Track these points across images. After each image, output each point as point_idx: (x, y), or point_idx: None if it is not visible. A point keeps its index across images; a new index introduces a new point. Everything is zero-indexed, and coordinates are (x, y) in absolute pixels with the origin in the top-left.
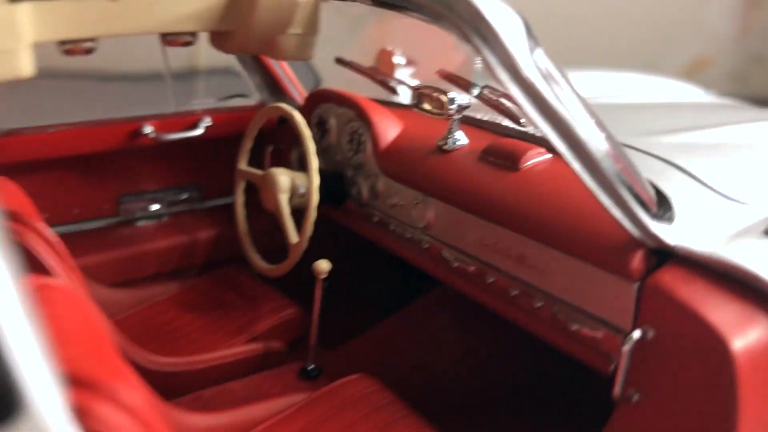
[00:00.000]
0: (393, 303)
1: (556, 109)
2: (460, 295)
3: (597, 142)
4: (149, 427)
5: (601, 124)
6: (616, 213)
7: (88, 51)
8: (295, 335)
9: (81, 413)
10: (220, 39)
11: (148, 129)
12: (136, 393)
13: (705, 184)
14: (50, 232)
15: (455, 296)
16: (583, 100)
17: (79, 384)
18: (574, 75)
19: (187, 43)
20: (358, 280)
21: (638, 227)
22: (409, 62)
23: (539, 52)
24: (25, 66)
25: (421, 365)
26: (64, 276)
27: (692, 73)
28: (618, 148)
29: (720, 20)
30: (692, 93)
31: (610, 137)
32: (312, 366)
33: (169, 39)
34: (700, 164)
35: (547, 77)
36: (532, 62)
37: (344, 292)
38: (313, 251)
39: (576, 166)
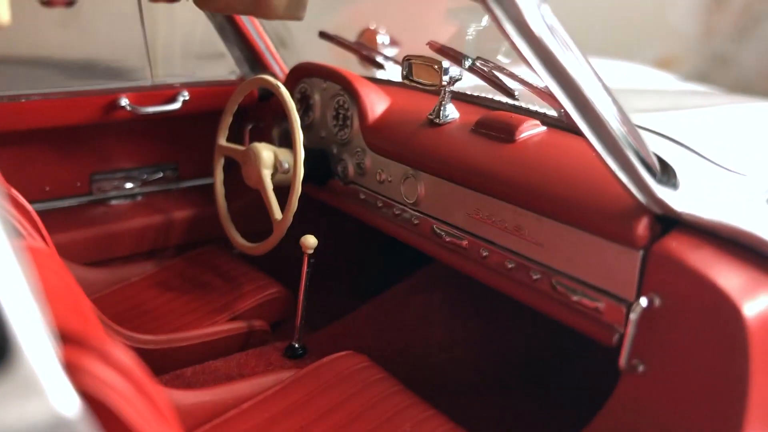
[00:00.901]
0: (380, 283)
1: (564, 65)
2: (450, 274)
3: (604, 103)
4: (140, 387)
5: (606, 87)
6: (623, 177)
7: (69, 3)
8: (279, 316)
9: (71, 369)
10: None
11: (123, 101)
12: (125, 353)
13: (704, 157)
14: (25, 202)
15: (444, 275)
16: (588, 60)
17: (69, 340)
18: None
19: (69, 4)
20: (343, 260)
21: (644, 192)
22: (393, 42)
23: (545, 7)
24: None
25: (409, 346)
26: (38, 240)
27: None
28: (624, 111)
29: (684, 21)
30: (669, 80)
31: (615, 100)
32: (298, 344)
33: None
34: (695, 139)
35: (553, 32)
36: (540, 16)
37: (329, 272)
38: (296, 231)
39: (583, 126)
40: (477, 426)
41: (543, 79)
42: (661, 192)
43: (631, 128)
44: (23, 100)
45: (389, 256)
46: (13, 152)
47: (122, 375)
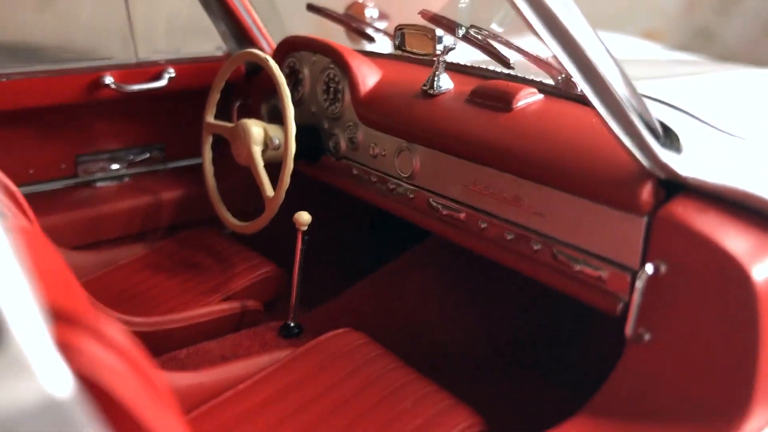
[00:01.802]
0: (375, 260)
1: (567, 26)
2: (446, 250)
3: (608, 65)
4: (137, 366)
5: (609, 50)
6: (627, 141)
7: None
8: (272, 295)
9: (64, 348)
10: None
11: (108, 80)
12: (120, 332)
13: (703, 121)
14: (11, 184)
15: (441, 251)
16: (588, 23)
17: (61, 318)
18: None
19: None
20: (337, 237)
21: (649, 157)
22: (382, 15)
23: None
24: None
25: (407, 323)
26: (22, 219)
27: None
28: (626, 76)
29: None
30: (657, 49)
31: (618, 63)
32: (293, 323)
33: None
34: (692, 105)
35: None
36: None
37: (323, 249)
38: (288, 208)
39: (587, 89)
40: (477, 401)
41: (546, 42)
42: (666, 156)
43: (634, 92)
44: (4, 80)
45: (384, 232)
46: None
47: (117, 354)
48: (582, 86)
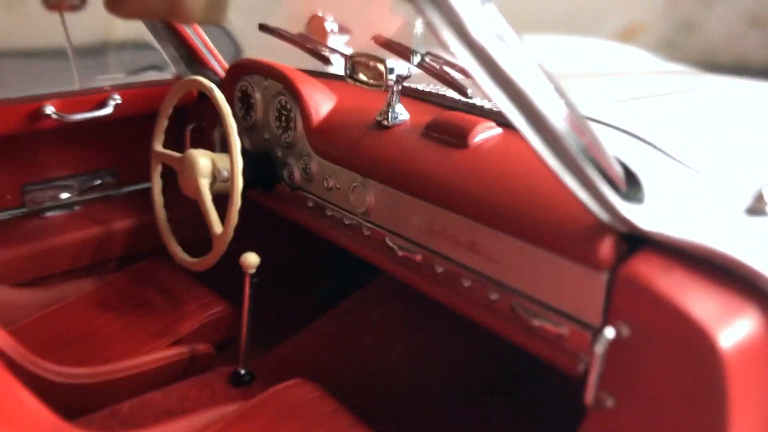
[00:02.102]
0: (331, 297)
1: (511, 75)
2: (405, 286)
3: (558, 114)
4: None
5: (562, 92)
6: (582, 195)
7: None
8: (224, 336)
9: None
10: (114, 1)
11: (49, 110)
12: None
13: (672, 157)
14: None
15: (399, 287)
16: (540, 65)
17: None
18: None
19: (75, 8)
20: (291, 273)
21: (607, 210)
22: (343, 29)
23: (490, 7)
24: None
25: (364, 365)
26: None
27: (625, 39)
28: (581, 121)
29: None
30: (635, 54)
31: (572, 107)
32: (244, 371)
33: (53, 2)
34: (664, 136)
35: (500, 38)
36: (483, 20)
37: (277, 287)
38: (241, 241)
39: (535, 142)
40: None
41: (489, 92)
42: (626, 209)
43: (591, 139)
44: None
45: (342, 265)
46: None
47: None
48: (530, 140)
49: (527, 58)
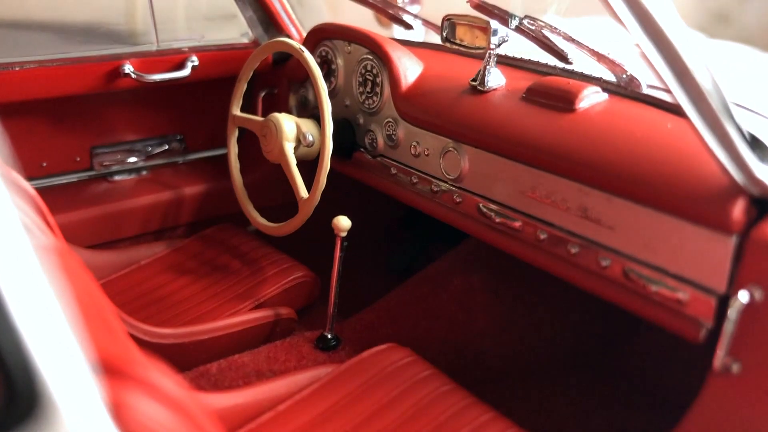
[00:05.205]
0: (411, 261)
1: (661, 26)
2: (489, 253)
3: (702, 71)
4: (191, 418)
5: (700, 53)
6: (720, 153)
7: None
8: (305, 302)
9: (117, 409)
10: None
11: (128, 68)
12: (166, 377)
13: None
14: (26, 184)
15: (483, 254)
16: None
17: (111, 372)
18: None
19: None
20: (373, 240)
21: (743, 171)
22: (414, 0)
23: None
24: None
25: (448, 333)
26: (49, 236)
27: None
28: (717, 82)
29: None
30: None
31: (709, 69)
32: (330, 335)
33: None
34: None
35: None
36: None
37: (359, 254)
38: (318, 208)
39: (680, 95)
40: (529, 418)
41: (640, 43)
42: (762, 171)
43: (727, 101)
44: (17, 69)
45: (420, 233)
46: (6, 126)
47: (173, 410)
48: (675, 93)
49: (675, 13)
